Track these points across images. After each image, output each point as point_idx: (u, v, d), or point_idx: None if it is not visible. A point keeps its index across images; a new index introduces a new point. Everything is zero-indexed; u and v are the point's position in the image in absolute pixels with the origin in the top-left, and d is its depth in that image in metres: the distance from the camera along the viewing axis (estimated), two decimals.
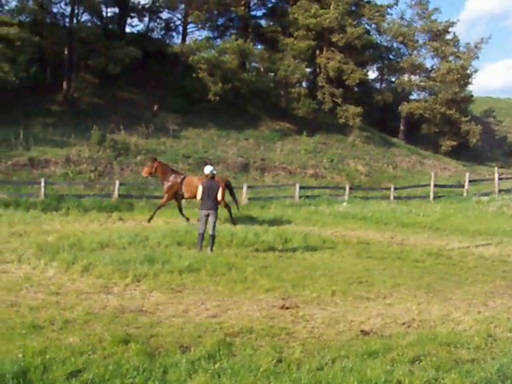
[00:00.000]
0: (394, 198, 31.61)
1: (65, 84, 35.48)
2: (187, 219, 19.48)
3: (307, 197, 28.84)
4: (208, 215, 14.17)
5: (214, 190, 14.35)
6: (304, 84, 44.63)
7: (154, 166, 20.15)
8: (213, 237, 14.12)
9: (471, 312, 9.24)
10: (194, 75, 36.10)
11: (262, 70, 39.43)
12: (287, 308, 8.85)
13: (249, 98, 39.50)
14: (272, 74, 40.11)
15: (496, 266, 14.41)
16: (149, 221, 19.30)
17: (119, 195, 24.50)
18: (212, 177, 14.73)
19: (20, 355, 5.84)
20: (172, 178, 19.99)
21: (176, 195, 20.12)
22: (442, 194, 34.24)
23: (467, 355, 6.78)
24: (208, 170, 14.84)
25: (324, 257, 14.28)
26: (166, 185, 19.91)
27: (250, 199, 26.36)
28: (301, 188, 28.95)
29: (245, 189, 26.60)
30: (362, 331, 7.75)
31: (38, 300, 8.71)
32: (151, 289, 9.80)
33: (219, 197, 14.45)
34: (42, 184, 23.73)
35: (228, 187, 19.66)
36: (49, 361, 5.66)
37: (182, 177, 20.24)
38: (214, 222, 14.23)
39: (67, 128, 31.55)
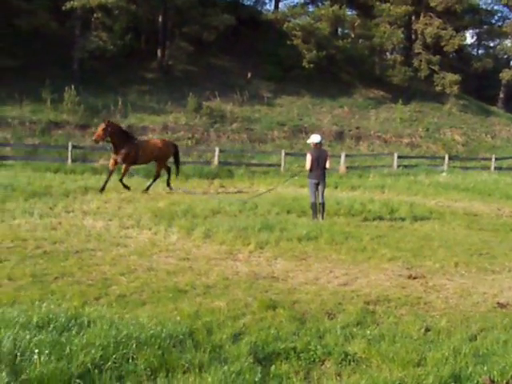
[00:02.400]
0: (495, 168, 30.78)
1: (159, 52, 36.05)
2: (128, 188, 17.75)
3: (405, 166, 28.50)
4: (318, 184, 14.25)
5: (323, 159, 14.38)
6: (399, 51, 43.67)
7: (108, 130, 17.04)
8: (323, 205, 14.22)
9: None
10: (288, 42, 35.97)
11: (355, 36, 38.75)
12: (415, 278, 8.84)
13: (342, 65, 39.10)
14: (366, 41, 39.41)
15: None
16: (101, 191, 17.01)
17: (219, 162, 24.90)
18: (320, 145, 14.75)
19: (177, 318, 6.09)
20: (129, 143, 17.66)
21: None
22: None
23: None
24: (317, 138, 14.82)
25: (435, 227, 14.09)
26: (123, 151, 17.40)
27: (348, 168, 26.26)
28: (398, 157, 28.61)
29: (343, 157, 26.52)
30: (498, 303, 7.67)
31: (171, 265, 9.01)
32: (275, 256, 9.98)
33: (328, 165, 14.47)
34: None
35: (175, 152, 19.43)
36: (208, 323, 5.91)
37: (136, 141, 18.34)
38: (323, 191, 14.33)
39: (162, 95, 32.20)
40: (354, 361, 5.20)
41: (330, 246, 10.88)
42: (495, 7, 49.65)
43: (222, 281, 8.12)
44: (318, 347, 5.34)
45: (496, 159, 31.57)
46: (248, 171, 24.76)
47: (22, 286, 7.36)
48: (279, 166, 25.90)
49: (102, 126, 17.14)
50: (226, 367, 4.69)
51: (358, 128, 34.12)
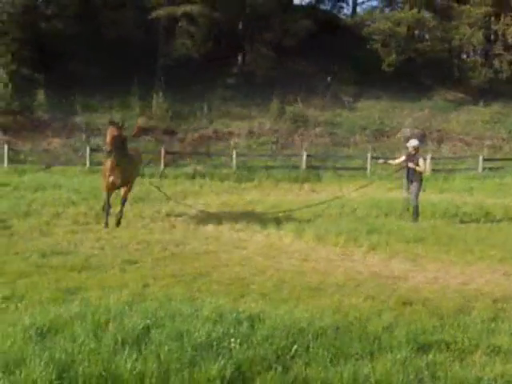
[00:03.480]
0: None
1: (240, 57, 36.98)
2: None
3: (490, 169, 28.51)
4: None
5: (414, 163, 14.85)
6: (479, 52, 43.39)
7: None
8: (416, 207, 14.74)
9: None
10: (367, 46, 36.36)
11: (434, 39, 38.73)
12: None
13: (421, 68, 39.15)
14: (445, 44, 39.38)
15: None
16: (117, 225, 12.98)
17: (306, 166, 25.57)
18: (418, 149, 15.30)
19: (326, 313, 6.71)
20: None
21: None
22: None
23: None
24: (415, 142, 15.46)
25: None
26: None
27: (433, 170, 26.49)
28: (484, 160, 28.64)
29: (428, 159, 26.76)
30: None
31: (296, 265, 9.68)
32: (389, 257, 10.56)
33: (421, 166, 14.91)
34: (234, 156, 25.29)
35: None
36: (356, 318, 6.53)
37: None
38: (415, 193, 14.80)
39: (245, 100, 33.10)
40: (501, 352, 5.75)
41: (438, 248, 11.35)
42: None
43: (350, 280, 8.73)
44: (465, 339, 5.91)
45: None
46: (335, 174, 25.35)
47: (167, 285, 8.06)
48: (365, 169, 26.36)
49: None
50: (391, 355, 5.32)
51: (439, 130, 34.20)
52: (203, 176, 23.47)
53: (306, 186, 22.50)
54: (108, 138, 12.41)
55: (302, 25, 35.17)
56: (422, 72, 39.54)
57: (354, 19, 38.08)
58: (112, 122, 12.97)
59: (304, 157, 25.71)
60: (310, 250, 11.13)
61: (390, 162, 16.32)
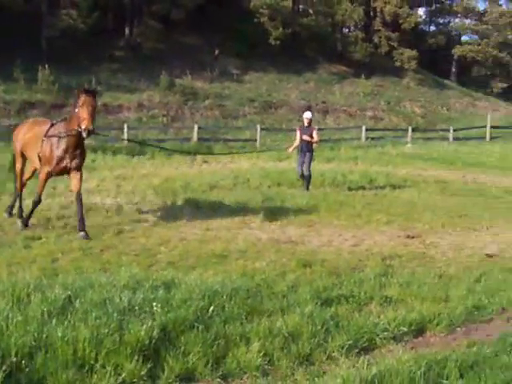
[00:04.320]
0: (453, 139, 32.63)
1: (127, 30, 36.51)
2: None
3: (372, 139, 30.05)
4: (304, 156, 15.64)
5: (308, 135, 15.68)
6: (360, 28, 45.19)
7: None
8: (308, 177, 15.57)
9: None
10: (255, 20, 36.96)
11: (318, 14, 39.92)
12: (413, 237, 10.24)
13: (306, 41, 40.27)
14: (329, 18, 40.72)
15: None
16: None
17: (198, 139, 25.88)
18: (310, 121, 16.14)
19: (234, 276, 7.17)
20: None
21: None
22: (496, 134, 35.09)
23: None
24: (309, 115, 16.32)
25: (413, 195, 15.59)
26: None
27: (320, 140, 27.50)
28: (366, 130, 30.11)
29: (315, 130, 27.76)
30: (486, 255, 9.13)
31: (199, 235, 10.07)
32: (285, 224, 11.22)
33: (315, 138, 15.76)
34: (125, 129, 25.18)
35: None
36: (263, 280, 7.08)
37: None
38: (308, 163, 15.63)
39: (134, 73, 32.78)
40: (392, 301, 6.51)
41: (329, 214, 12.15)
42: None
43: (251, 246, 9.28)
44: (361, 293, 6.62)
45: (454, 130, 33.40)
46: (226, 146, 25.86)
47: (76, 259, 8.17)
48: (255, 140, 27.04)
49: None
50: (299, 310, 5.90)
51: (324, 102, 35.51)
52: (95, 150, 23.19)
53: (199, 158, 22.78)
54: (87, 112, 9.21)
55: None
56: (307, 46, 40.70)
57: None
58: (87, 90, 9.62)
59: (195, 129, 26.01)
60: (209, 219, 11.53)
61: (295, 144, 16.66)
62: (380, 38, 42.19)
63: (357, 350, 5.18)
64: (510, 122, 39.27)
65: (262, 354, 4.84)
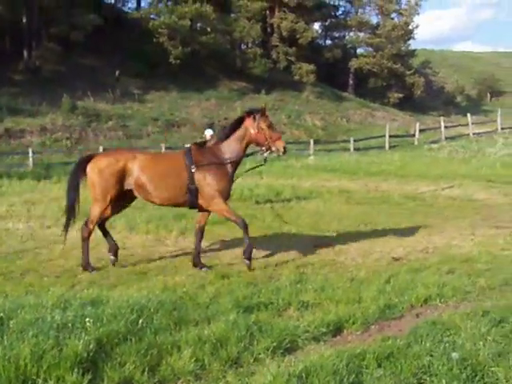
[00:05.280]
0: (354, 149, 33.88)
1: (25, 53, 35.86)
2: None
3: None
4: None
5: None
6: (258, 44, 46.18)
7: None
8: None
9: (466, 239, 11.34)
10: (154, 40, 37.16)
11: (217, 31, 40.54)
12: (322, 246, 10.77)
13: (206, 59, 40.80)
14: (227, 36, 41.45)
15: (465, 204, 16.66)
16: None
17: None
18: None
19: (157, 292, 7.42)
20: None
21: None
22: (394, 143, 36.71)
23: (483, 267, 8.90)
24: (211, 132, 16.71)
25: (319, 205, 16.19)
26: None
27: None
28: None
29: None
30: (393, 258, 9.76)
31: (120, 255, 10.25)
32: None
33: None
34: (30, 154, 24.81)
35: None
36: (185, 293, 7.34)
37: None
38: None
39: (35, 97, 32.30)
40: (309, 306, 6.91)
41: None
42: (340, 2, 54.11)
43: (169, 262, 9.55)
44: (279, 300, 7.00)
45: (354, 141, 34.69)
46: None
47: None
48: None
49: None
50: (224, 318, 6.21)
51: (226, 119, 35.99)
52: (1, 176, 22.77)
53: None
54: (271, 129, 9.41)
55: (89, 19, 34.98)
56: (207, 63, 41.24)
57: (139, 13, 38.60)
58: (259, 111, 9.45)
59: (100, 151, 25.81)
60: (125, 239, 11.63)
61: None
62: (278, 53, 43.37)
63: (281, 351, 5.51)
64: (407, 131, 41.20)
65: (193, 359, 5.11)
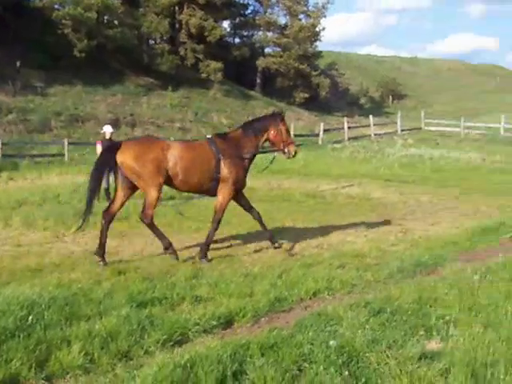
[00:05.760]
0: None
1: None
2: None
3: None
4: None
5: None
6: (166, 40, 45.93)
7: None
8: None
9: (360, 236, 11.87)
10: (58, 31, 36.28)
11: (124, 25, 40.03)
12: (221, 242, 11.00)
13: (113, 53, 40.22)
14: (135, 30, 41.02)
15: (363, 203, 17.31)
16: None
17: (2, 155, 24.93)
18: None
19: (50, 287, 7.38)
20: None
21: None
22: (299, 142, 37.34)
23: (372, 262, 9.38)
24: (110, 129, 16.65)
25: None
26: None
27: None
28: None
29: None
30: (289, 254, 10.11)
31: (11, 251, 10.01)
32: (98, 236, 11.42)
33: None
34: None
35: None
36: (79, 289, 7.34)
37: None
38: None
39: None
40: (202, 300, 7.09)
41: (141, 224, 12.53)
42: (249, 1, 54.68)
43: (66, 259, 9.49)
44: (174, 295, 7.13)
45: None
46: (32, 162, 25.22)
47: None
48: (63, 155, 26.57)
49: None
50: (116, 312, 6.28)
51: (132, 115, 35.71)
52: None
53: (4, 175, 22.06)
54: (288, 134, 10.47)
55: None
56: (114, 58, 40.67)
57: (42, 2, 37.47)
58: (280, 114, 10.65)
59: None
60: (21, 236, 11.46)
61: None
62: (186, 50, 43.29)
63: (171, 344, 5.67)
64: (312, 130, 42.06)
65: (82, 354, 5.19)
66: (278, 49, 53.62)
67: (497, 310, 6.70)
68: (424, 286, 7.53)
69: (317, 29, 53.25)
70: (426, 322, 6.20)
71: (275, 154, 10.81)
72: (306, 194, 18.38)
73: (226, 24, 53.32)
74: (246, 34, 56.69)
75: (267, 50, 55.09)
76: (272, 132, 10.15)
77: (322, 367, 4.89)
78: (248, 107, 44.92)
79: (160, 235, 9.77)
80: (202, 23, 42.32)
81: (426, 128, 44.35)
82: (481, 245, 11.08)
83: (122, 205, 9.90)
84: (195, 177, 9.62)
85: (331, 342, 5.26)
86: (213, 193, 10.04)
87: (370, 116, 43.51)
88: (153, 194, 9.48)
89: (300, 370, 5.00)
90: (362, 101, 67.80)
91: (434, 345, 5.61)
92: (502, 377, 4.90)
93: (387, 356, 5.18)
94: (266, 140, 10.28)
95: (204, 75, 43.31)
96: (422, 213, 15.07)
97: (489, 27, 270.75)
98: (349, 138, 39.02)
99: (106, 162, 9.54)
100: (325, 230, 12.42)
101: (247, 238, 11.37)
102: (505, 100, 73.98)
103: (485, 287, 7.60)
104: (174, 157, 9.42)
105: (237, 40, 57.00)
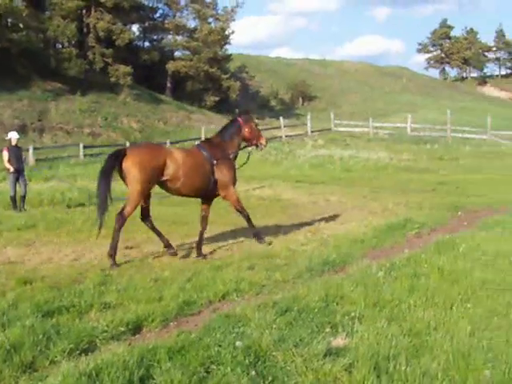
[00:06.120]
0: None
1: None
2: None
3: (91, 155, 30.28)
4: (18, 177, 15.70)
5: (20, 154, 15.91)
6: (74, 44, 45.01)
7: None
8: (24, 196, 15.71)
9: (270, 237, 11.98)
10: None
11: (29, 29, 38.96)
12: (131, 248, 10.90)
13: (18, 58, 39.03)
14: (40, 34, 40.00)
15: (274, 204, 17.54)
16: None
17: None
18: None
19: None
20: None
21: None
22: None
23: (281, 262, 9.52)
24: (16, 135, 16.28)
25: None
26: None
27: (36, 160, 27.12)
28: (84, 147, 30.27)
29: (31, 150, 27.26)
30: (199, 256, 10.13)
31: None
32: (4, 245, 11.12)
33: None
34: None
35: None
36: None
37: None
38: (25, 184, 15.81)
39: None
40: (111, 306, 7.03)
41: (49, 232, 12.31)
42: (158, 5, 54.26)
43: None
44: (82, 302, 7.03)
45: (170, 143, 34.98)
46: None
47: None
48: None
49: None
50: (21, 323, 6.14)
51: (40, 120, 34.81)
52: None
53: None
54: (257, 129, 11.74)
55: None
56: (19, 62, 39.47)
57: None
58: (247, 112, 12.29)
59: None
60: None
61: (8, 166, 16.06)
62: (94, 54, 42.54)
63: (78, 352, 5.58)
64: None
65: None
66: (188, 52, 53.49)
67: (400, 304, 6.95)
68: (331, 284, 7.70)
69: (226, 32, 53.60)
70: (332, 319, 6.37)
71: (249, 149, 11.67)
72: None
73: (134, 28, 52.93)
74: (155, 37, 56.35)
75: (177, 54, 54.93)
76: (246, 130, 11.20)
77: (229, 368, 4.96)
78: (158, 111, 44.65)
79: (160, 236, 10.59)
80: (111, 27, 41.73)
81: (335, 129, 45.39)
82: (388, 242, 11.45)
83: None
84: (195, 180, 10.33)
85: (238, 343, 5.33)
86: (209, 195, 10.88)
87: (281, 118, 44.13)
88: (139, 198, 10.08)
89: (208, 372, 5.04)
90: (273, 103, 68.57)
91: (339, 341, 5.75)
92: (403, 368, 5.09)
93: (293, 354, 5.29)
94: (243, 139, 11.29)
95: (113, 79, 42.70)
96: (331, 212, 15.40)
97: (394, 30, 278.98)
98: None
99: (112, 167, 9.94)
100: (236, 232, 12.53)
101: (157, 243, 11.30)
102: (411, 100, 76.83)
103: (389, 283, 7.86)
104: (175, 163, 10.03)
105: (146, 44, 56.68)
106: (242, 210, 11.19)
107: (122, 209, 10.03)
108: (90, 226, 12.72)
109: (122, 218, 9.98)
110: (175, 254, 10.33)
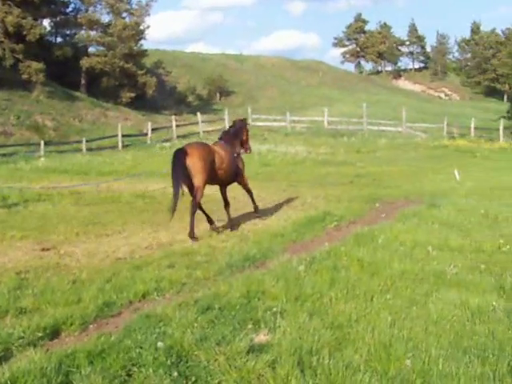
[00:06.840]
0: (86, 149, 33.52)
1: None
2: None
3: (4, 155, 29.31)
4: None
5: None
6: None
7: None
8: None
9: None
10: None
11: None
12: (48, 249, 10.59)
13: None
14: None
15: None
16: None
17: None
18: None
19: None
20: None
21: None
22: (128, 142, 37.05)
23: (202, 259, 9.50)
24: None
25: (48, 208, 15.80)
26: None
27: None
28: None
29: None
30: (117, 258, 9.95)
31: None
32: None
33: None
34: None
35: None
36: None
37: None
38: None
39: None
40: (27, 311, 6.82)
41: None
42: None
43: None
44: None
45: (86, 141, 34.34)
46: None
47: None
48: None
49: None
50: None
51: None
52: None
53: None
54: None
55: None
56: None
57: None
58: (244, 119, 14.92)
59: None
60: None
61: None
62: (4, 50, 41.05)
63: None
64: (140, 130, 41.75)
65: None
66: (103, 48, 52.44)
67: (321, 298, 7.05)
68: (252, 280, 7.73)
69: (141, 27, 52.87)
70: (254, 315, 6.40)
71: (242, 151, 13.69)
72: (135, 194, 18.22)
73: (46, 22, 51.37)
74: (68, 32, 54.93)
75: (91, 50, 53.69)
76: (244, 133, 13.74)
77: (151, 370, 4.91)
78: (73, 108, 43.65)
79: (192, 223, 11.71)
80: (20, 21, 40.37)
81: (253, 123, 45.49)
82: (308, 235, 11.59)
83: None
84: (231, 169, 12.87)
85: (159, 344, 5.27)
86: (232, 181, 13.46)
87: (198, 113, 44.00)
88: (203, 185, 11.98)
89: (129, 375, 4.97)
90: (190, 98, 68.22)
91: (262, 337, 5.77)
92: (326, 362, 5.17)
93: (216, 352, 5.28)
94: (240, 141, 13.58)
95: (25, 76, 41.37)
96: (250, 207, 15.45)
97: (310, 24, 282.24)
98: (178, 137, 39.27)
99: (181, 164, 11.58)
100: (155, 230, 12.43)
101: (74, 244, 11.08)
102: (327, 94, 78.14)
103: (310, 277, 7.96)
104: (220, 156, 12.34)
105: (59, 39, 55.21)
106: (251, 192, 13.80)
107: (194, 197, 11.83)
108: (4, 229, 12.36)
109: (195, 203, 11.83)
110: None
